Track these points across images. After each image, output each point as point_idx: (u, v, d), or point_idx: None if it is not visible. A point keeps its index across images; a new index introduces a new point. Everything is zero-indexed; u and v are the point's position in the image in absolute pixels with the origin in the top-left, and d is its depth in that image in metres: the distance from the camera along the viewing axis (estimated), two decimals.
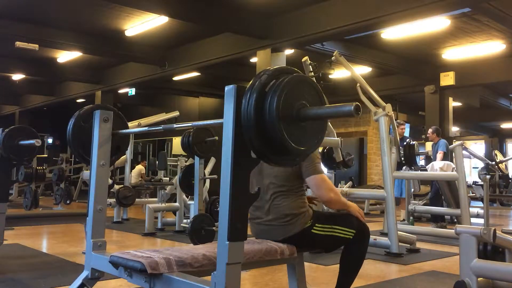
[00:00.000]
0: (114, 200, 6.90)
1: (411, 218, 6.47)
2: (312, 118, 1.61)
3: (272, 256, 2.29)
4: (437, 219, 6.90)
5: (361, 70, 10.17)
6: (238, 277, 1.64)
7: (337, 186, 8.46)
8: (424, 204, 7.36)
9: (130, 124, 4.06)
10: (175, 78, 12.44)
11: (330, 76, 4.99)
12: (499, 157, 11.37)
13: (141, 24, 8.65)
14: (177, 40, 9.67)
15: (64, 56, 11.15)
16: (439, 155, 7.21)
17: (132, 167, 8.71)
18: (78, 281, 2.30)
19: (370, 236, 4.95)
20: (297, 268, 2.52)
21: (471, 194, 9.21)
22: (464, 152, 6.91)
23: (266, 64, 8.09)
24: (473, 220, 6.02)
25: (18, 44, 8.94)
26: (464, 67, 10.43)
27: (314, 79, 3.50)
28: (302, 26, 7.68)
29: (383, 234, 5.59)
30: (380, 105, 4.96)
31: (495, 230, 2.55)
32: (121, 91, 13.48)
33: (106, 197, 2.43)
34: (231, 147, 1.61)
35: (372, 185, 12.54)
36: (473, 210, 6.44)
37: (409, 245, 4.83)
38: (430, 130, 7.76)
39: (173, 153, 15.48)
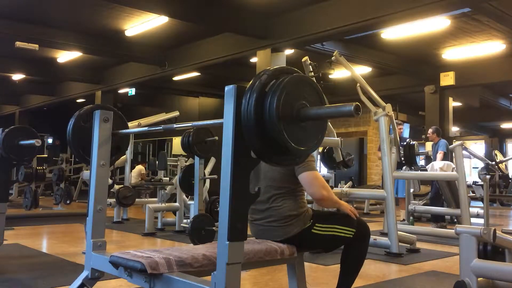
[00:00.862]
0: (114, 200, 6.90)
1: (411, 218, 6.47)
2: (312, 118, 1.61)
3: (272, 256, 2.29)
4: (437, 219, 6.90)
5: (361, 70, 10.17)
6: (238, 277, 1.64)
7: (337, 186, 8.46)
8: (424, 204, 7.36)
9: (130, 124, 4.05)
10: (175, 78, 12.45)
11: (330, 76, 4.99)
12: (499, 157, 11.37)
13: (141, 24, 8.65)
14: (177, 40, 9.68)
15: (64, 56, 11.16)
16: (439, 155, 7.21)
17: (132, 167, 8.70)
18: (78, 281, 2.30)
19: (370, 236, 4.95)
20: (297, 268, 2.51)
21: (471, 194, 9.21)
22: (464, 152, 6.91)
23: (266, 64, 8.09)
24: (473, 220, 6.02)
25: (18, 44, 8.94)
26: (464, 67, 10.44)
27: (314, 79, 3.50)
28: (302, 26, 7.68)
29: (383, 234, 5.59)
30: (380, 105, 4.96)
31: (495, 230, 2.55)
32: (121, 91, 13.49)
33: (106, 197, 2.43)
34: (231, 147, 1.61)
35: (372, 185, 12.55)
36: (473, 210, 6.44)
37: (409, 245, 4.83)
38: (430, 130, 7.76)
39: (173, 153, 15.48)
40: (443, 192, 6.67)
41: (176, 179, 6.70)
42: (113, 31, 9.15)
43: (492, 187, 10.18)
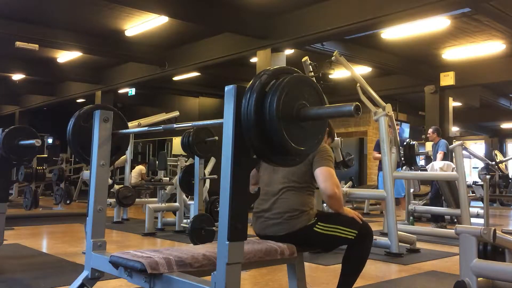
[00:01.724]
0: (114, 200, 6.90)
1: (411, 218, 6.47)
2: (312, 118, 1.61)
3: (272, 256, 2.29)
4: (437, 219, 6.90)
5: (361, 70, 10.17)
6: (238, 277, 1.64)
7: None
8: (424, 204, 7.36)
9: (130, 124, 4.06)
10: (175, 78, 12.44)
11: (330, 76, 4.99)
12: (499, 157, 11.37)
13: (141, 24, 8.65)
14: (177, 40, 9.67)
15: (64, 56, 11.15)
16: (439, 155, 7.21)
17: (132, 167, 8.71)
18: (78, 281, 2.30)
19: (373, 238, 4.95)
20: (297, 268, 2.52)
21: (471, 194, 9.21)
22: (464, 152, 6.91)
23: (266, 64, 8.08)
24: (473, 220, 6.02)
25: (18, 44, 8.94)
26: (464, 67, 10.44)
27: (314, 79, 3.50)
28: (302, 26, 7.68)
29: (383, 234, 5.59)
30: (380, 105, 4.96)
31: (495, 230, 2.54)
32: (121, 91, 13.48)
33: (106, 197, 2.44)
34: (231, 147, 1.61)
35: (372, 185, 12.54)
36: (473, 210, 6.44)
37: (409, 245, 4.83)
38: (430, 130, 7.76)
39: (173, 153, 15.47)
40: (443, 192, 6.66)
41: (176, 179, 6.70)
42: (113, 31, 9.15)
43: (492, 187, 10.18)
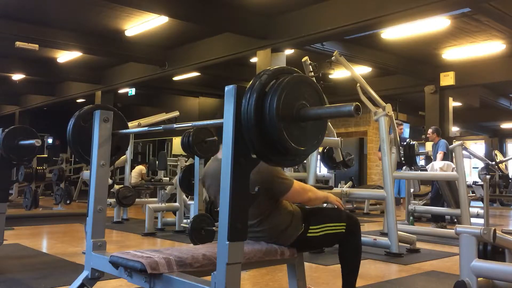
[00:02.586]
0: (114, 200, 6.90)
1: (411, 218, 6.47)
2: (312, 118, 1.61)
3: (272, 256, 2.29)
4: (437, 219, 6.90)
5: (361, 70, 10.17)
6: (238, 277, 1.64)
7: (337, 186, 8.46)
8: (424, 204, 7.36)
9: (130, 124, 4.06)
10: (175, 78, 12.45)
11: (330, 76, 5.00)
12: (499, 157, 11.36)
13: (141, 24, 8.65)
14: (177, 40, 9.68)
15: (64, 56, 11.16)
16: (439, 155, 7.21)
17: (132, 167, 8.71)
18: (78, 281, 2.30)
19: (370, 236, 4.96)
20: (297, 268, 2.51)
21: (471, 194, 9.21)
22: (464, 152, 6.91)
23: (266, 64, 8.09)
24: (473, 220, 6.02)
25: (18, 44, 8.94)
26: (464, 67, 10.44)
27: (314, 79, 3.50)
28: (302, 26, 7.68)
29: (383, 234, 5.59)
30: (380, 105, 4.95)
31: (495, 230, 2.55)
32: (121, 91, 13.49)
33: (106, 197, 2.44)
34: (231, 147, 1.61)
35: (372, 185, 12.54)
36: (473, 210, 6.44)
37: (409, 245, 4.83)
38: (430, 130, 7.76)
39: (173, 153, 15.48)
40: (443, 192, 6.66)
41: (176, 179, 6.70)
42: (113, 31, 9.15)
43: (492, 187, 10.17)
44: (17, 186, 10.90)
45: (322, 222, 2.45)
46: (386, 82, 11.75)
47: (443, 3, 6.22)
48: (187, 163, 6.54)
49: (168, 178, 8.86)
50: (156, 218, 6.49)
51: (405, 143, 5.49)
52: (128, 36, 9.29)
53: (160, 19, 8.17)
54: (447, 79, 10.66)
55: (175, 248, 2.25)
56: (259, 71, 1.69)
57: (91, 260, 2.29)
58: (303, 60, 5.07)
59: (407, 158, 5.40)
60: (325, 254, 4.47)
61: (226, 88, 1.65)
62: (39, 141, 3.55)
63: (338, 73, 10.05)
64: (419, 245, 4.98)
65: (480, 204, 8.96)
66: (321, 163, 6.42)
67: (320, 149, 5.78)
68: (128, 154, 7.73)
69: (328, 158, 5.91)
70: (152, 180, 8.64)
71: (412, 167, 5.58)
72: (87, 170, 5.15)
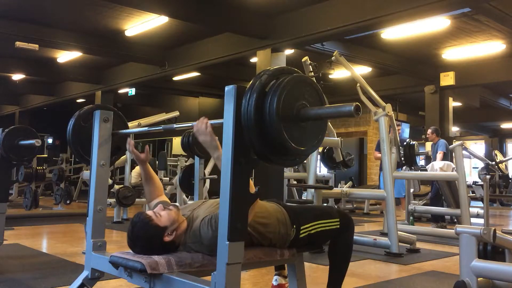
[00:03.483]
0: (114, 200, 6.90)
1: (411, 218, 6.47)
2: (312, 118, 1.62)
3: (272, 256, 2.28)
4: (437, 219, 6.90)
5: (361, 70, 10.17)
6: (238, 277, 1.64)
7: (337, 186, 8.46)
8: (424, 204, 7.36)
9: (130, 124, 4.05)
10: (175, 78, 12.44)
11: (330, 76, 5.00)
12: (499, 157, 11.36)
13: (141, 24, 8.65)
14: (177, 40, 9.67)
15: (64, 56, 11.15)
16: (439, 155, 7.22)
17: (132, 167, 8.71)
18: (78, 281, 2.30)
19: (370, 236, 4.95)
20: (297, 268, 2.51)
21: (471, 194, 9.21)
22: (464, 152, 6.91)
23: (266, 64, 8.08)
24: (473, 220, 6.02)
25: (18, 44, 8.94)
26: (464, 67, 10.43)
27: (314, 79, 3.50)
28: (302, 26, 7.67)
29: (383, 234, 5.59)
30: (380, 105, 4.96)
31: (495, 230, 2.55)
32: (121, 91, 13.49)
33: (106, 197, 2.44)
34: (231, 147, 1.61)
35: (372, 185, 12.54)
36: (473, 210, 6.44)
37: (409, 245, 4.83)
38: (429, 131, 7.76)
39: (173, 153, 15.48)
40: (443, 192, 6.67)
41: (176, 179, 6.70)
42: (113, 31, 9.15)
43: (492, 187, 10.17)
44: (17, 186, 10.90)
45: (312, 220, 2.37)
46: (386, 82, 11.75)
47: (443, 3, 6.22)
48: (187, 163, 6.55)
49: (168, 178, 8.86)
50: None
51: (405, 143, 5.50)
52: (128, 36, 9.29)
53: (160, 19, 8.17)
54: (447, 79, 10.66)
55: None
56: (259, 71, 1.69)
57: (91, 260, 2.30)
58: (303, 60, 5.07)
59: (407, 158, 5.40)
60: (325, 254, 4.44)
61: (226, 88, 1.65)
62: (39, 141, 3.55)
63: (338, 73, 10.05)
64: (419, 245, 4.98)
65: (480, 204, 8.96)
66: (321, 163, 6.43)
67: (320, 149, 5.78)
68: (128, 154, 7.72)
69: (328, 158, 5.91)
70: None
71: (412, 167, 5.58)
72: (87, 170, 5.14)
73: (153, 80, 11.64)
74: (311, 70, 5.00)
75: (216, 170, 6.91)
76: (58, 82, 14.53)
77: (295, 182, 7.19)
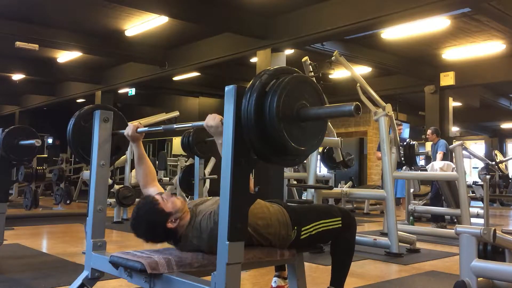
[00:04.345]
0: (114, 200, 6.90)
1: (411, 218, 6.47)
2: (312, 118, 1.61)
3: (272, 256, 2.28)
4: (437, 219, 6.90)
5: (361, 70, 10.17)
6: (238, 277, 1.64)
7: (337, 186, 8.46)
8: (424, 204, 7.36)
9: (130, 124, 4.04)
10: (175, 78, 12.45)
11: (330, 76, 5.00)
12: (499, 157, 11.37)
13: (141, 24, 8.65)
14: (177, 40, 9.68)
15: (64, 56, 11.15)
16: (439, 155, 7.22)
17: (132, 167, 8.71)
18: (78, 281, 2.30)
19: (370, 236, 4.95)
20: (297, 268, 2.51)
21: (471, 194, 9.21)
22: (464, 152, 6.91)
23: (266, 64, 8.09)
24: (473, 220, 6.02)
25: (18, 44, 8.94)
26: (464, 67, 10.44)
27: (314, 79, 3.50)
28: (302, 26, 7.68)
29: (383, 234, 5.59)
30: (380, 105, 4.96)
31: (495, 230, 2.55)
32: (121, 91, 13.48)
33: (106, 197, 2.44)
34: (231, 147, 1.61)
35: (372, 185, 12.54)
36: (473, 210, 6.44)
37: (409, 245, 4.83)
38: (429, 131, 7.76)
39: (173, 153, 15.47)
40: (443, 192, 6.67)
41: (176, 179, 6.70)
42: (113, 31, 9.15)
43: (492, 187, 10.17)
44: (17, 186, 10.91)
45: (314, 220, 2.36)
46: (386, 82, 11.75)
47: (443, 3, 6.22)
48: (187, 163, 6.54)
49: (168, 178, 8.86)
50: None
51: (405, 143, 5.50)
52: (128, 36, 9.29)
53: (160, 19, 8.17)
54: (447, 79, 10.66)
55: (175, 248, 2.25)
56: (259, 71, 1.69)
57: (91, 260, 2.30)
58: (303, 60, 5.07)
59: (407, 158, 5.40)
60: (325, 254, 4.46)
61: (226, 88, 1.65)
62: (39, 141, 3.55)
63: (338, 73, 10.05)
64: (419, 245, 4.98)
65: (480, 204, 8.95)
66: (321, 163, 6.43)
67: (320, 149, 5.78)
68: (128, 154, 7.72)
69: (328, 158, 5.91)
70: None
71: (412, 167, 5.58)
72: (87, 170, 5.14)
73: (153, 80, 11.64)
74: (311, 70, 5.00)
75: (216, 170, 6.92)
76: (58, 82, 14.54)
77: (295, 182, 7.19)
